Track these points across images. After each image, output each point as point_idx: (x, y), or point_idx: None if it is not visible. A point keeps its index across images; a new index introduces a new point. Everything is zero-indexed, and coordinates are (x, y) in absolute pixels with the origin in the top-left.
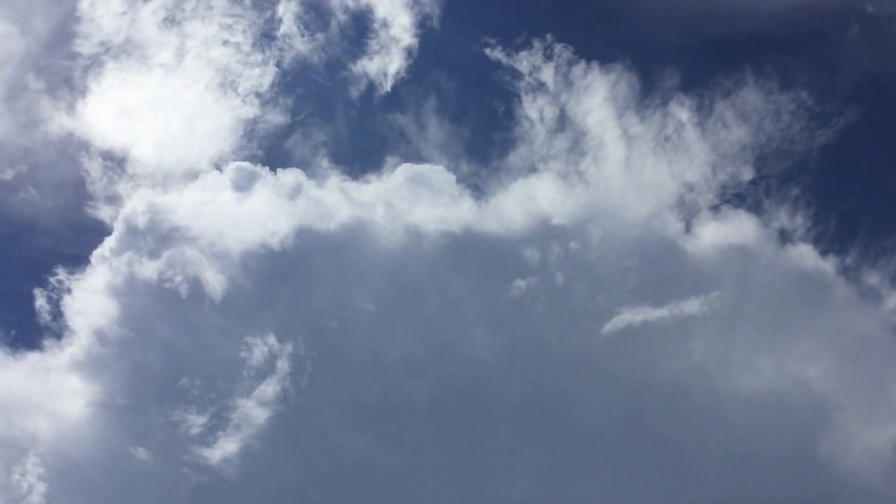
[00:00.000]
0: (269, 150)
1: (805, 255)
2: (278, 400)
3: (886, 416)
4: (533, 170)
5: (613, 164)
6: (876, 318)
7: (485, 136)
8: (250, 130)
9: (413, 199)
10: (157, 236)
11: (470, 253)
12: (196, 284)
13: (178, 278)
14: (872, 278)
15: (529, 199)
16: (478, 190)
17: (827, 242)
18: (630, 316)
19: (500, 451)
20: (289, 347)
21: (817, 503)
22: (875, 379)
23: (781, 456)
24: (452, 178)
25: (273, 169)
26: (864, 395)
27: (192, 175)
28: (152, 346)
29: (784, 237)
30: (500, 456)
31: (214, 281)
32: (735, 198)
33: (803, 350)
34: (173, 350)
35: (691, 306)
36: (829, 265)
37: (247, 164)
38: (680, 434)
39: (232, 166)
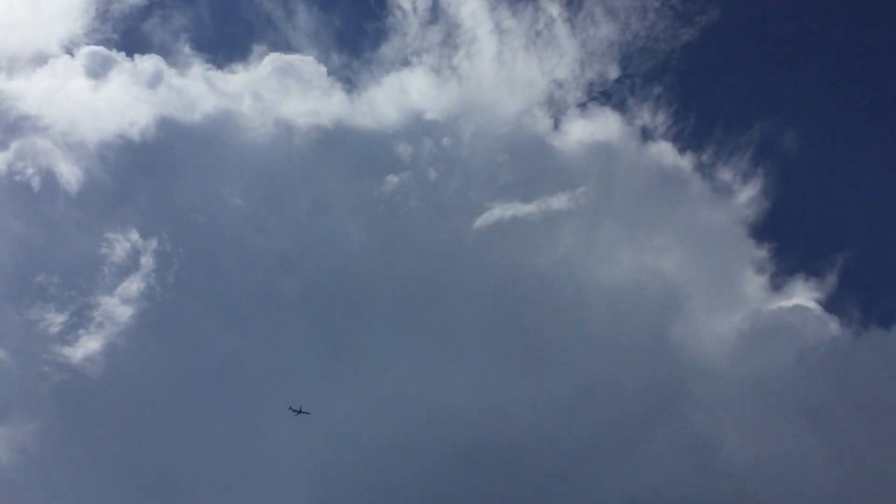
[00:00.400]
0: (125, 34)
1: (664, 152)
2: (143, 297)
3: (733, 304)
4: (406, 63)
5: (486, 59)
6: (728, 212)
7: (356, 25)
8: (104, 11)
9: (282, 91)
10: (3, 125)
11: (341, 147)
12: (49, 177)
13: (30, 170)
14: (726, 175)
15: (402, 93)
16: (349, 83)
17: (685, 140)
18: (500, 211)
19: (374, 344)
20: (153, 244)
21: (670, 385)
22: (724, 270)
23: (638, 342)
24: (323, 69)
25: (130, 55)
26: (713, 285)
27: (41, 60)
28: (4, 242)
29: (646, 134)
30: (375, 349)
31: (69, 173)
32: (601, 96)
33: (660, 243)
34: (27, 246)
35: (559, 202)
36: (686, 162)
37: (101, 49)
38: (546, 324)
39: (84, 51)
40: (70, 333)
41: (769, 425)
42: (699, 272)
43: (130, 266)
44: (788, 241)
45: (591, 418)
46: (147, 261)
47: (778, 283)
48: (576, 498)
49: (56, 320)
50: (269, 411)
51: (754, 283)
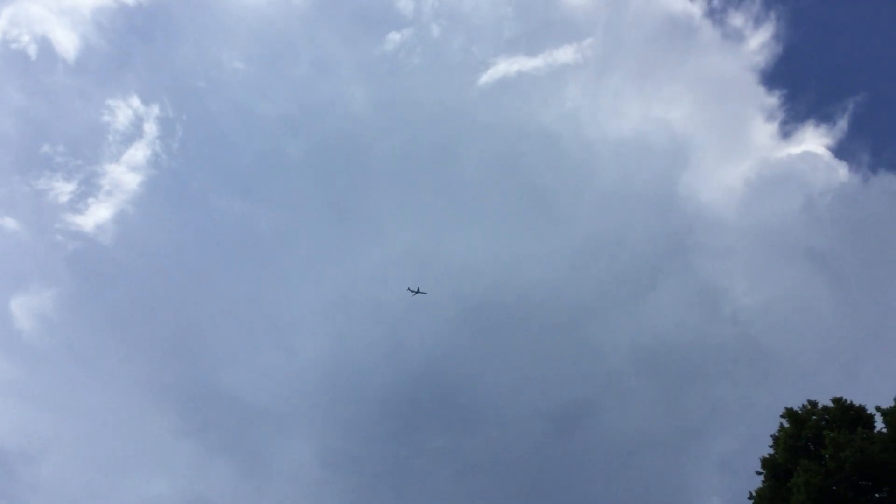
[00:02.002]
0: None
1: None
2: (149, 164)
3: (741, 153)
4: None
5: None
6: (738, 60)
7: None
8: None
9: None
10: None
11: (341, 5)
12: (45, 45)
13: (25, 38)
14: (737, 20)
15: None
16: None
17: None
18: (505, 67)
19: (382, 204)
20: (155, 110)
21: (677, 236)
22: (733, 119)
23: (645, 194)
24: None
25: None
26: (722, 134)
27: None
28: (6, 113)
29: None
30: (383, 209)
31: (66, 40)
32: None
33: (668, 94)
34: (29, 117)
35: (565, 55)
36: (696, 7)
37: None
38: (553, 179)
39: None
40: (80, 202)
41: (775, 272)
42: (708, 122)
43: (134, 133)
44: (799, 86)
45: (598, 270)
46: (150, 127)
47: (787, 131)
48: (584, 348)
49: (65, 189)
50: (279, 273)
51: (763, 132)
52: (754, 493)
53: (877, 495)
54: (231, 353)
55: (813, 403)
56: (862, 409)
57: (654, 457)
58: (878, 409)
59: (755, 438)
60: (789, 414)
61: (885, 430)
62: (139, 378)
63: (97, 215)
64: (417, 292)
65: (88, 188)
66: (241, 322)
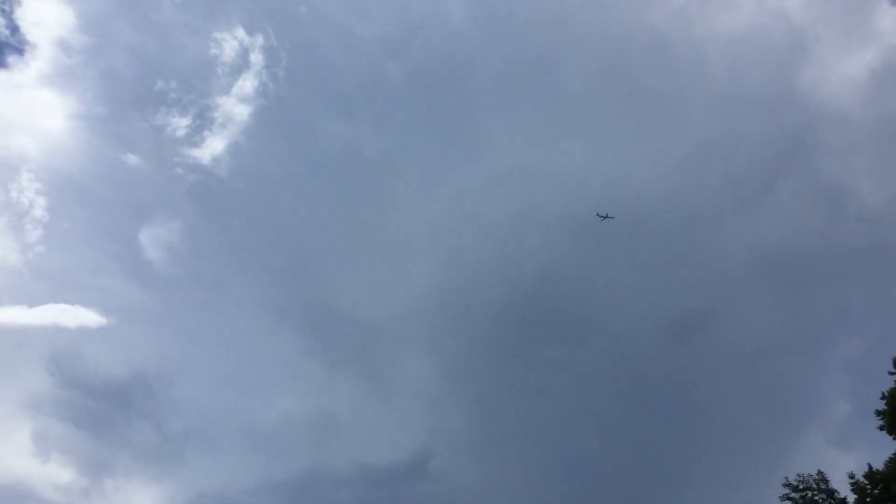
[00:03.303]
0: None
1: None
2: (258, 94)
3: (865, 42)
4: None
5: None
6: None
7: None
8: None
9: None
10: None
11: None
12: None
13: None
14: None
15: None
16: None
17: None
18: None
19: (487, 120)
20: (259, 39)
21: (797, 134)
22: (855, 4)
23: (762, 92)
24: None
25: None
26: (843, 22)
27: None
28: (119, 52)
29: None
30: (489, 125)
31: None
32: None
33: None
34: (141, 54)
35: None
36: None
37: None
38: (662, 83)
39: None
40: (196, 135)
41: None
42: (827, 9)
43: (241, 64)
44: None
45: (713, 174)
46: (256, 58)
47: None
48: (700, 256)
49: (181, 124)
50: (389, 194)
51: (889, 15)
52: (886, 394)
53: None
54: (348, 274)
55: None
56: None
57: (776, 363)
58: None
59: (886, 339)
60: None
61: None
62: (263, 302)
63: (213, 147)
64: (606, 217)
65: (203, 122)
66: (355, 244)
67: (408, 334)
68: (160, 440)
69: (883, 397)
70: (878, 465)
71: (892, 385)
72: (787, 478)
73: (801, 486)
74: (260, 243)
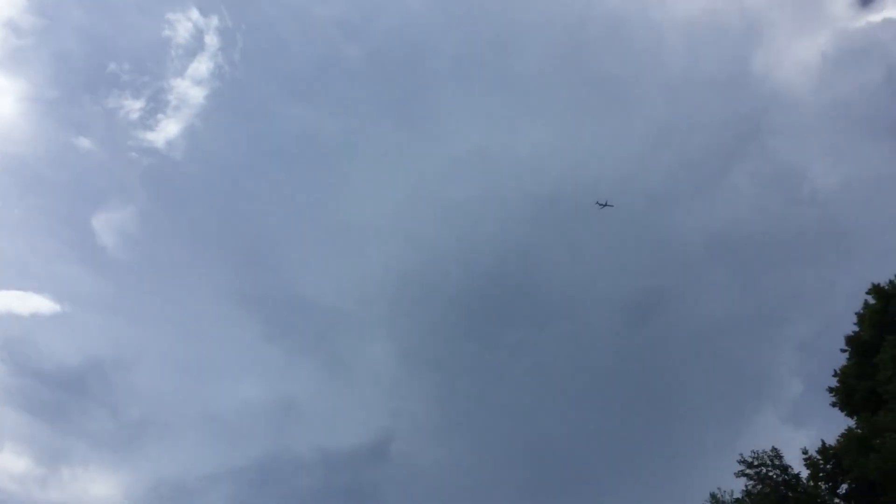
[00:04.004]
0: None
1: None
2: (213, 77)
3: (817, 25)
4: None
5: None
6: None
7: None
8: None
9: None
10: None
11: None
12: None
13: None
14: None
15: None
16: None
17: None
18: None
19: (445, 102)
20: (214, 21)
21: (751, 117)
22: None
23: (716, 76)
24: None
25: None
26: (795, 7)
27: None
28: (70, 34)
29: None
30: (446, 107)
31: None
32: None
33: None
34: (93, 35)
35: None
36: None
37: None
38: (618, 66)
39: None
40: (150, 118)
41: (856, 149)
42: None
43: (196, 46)
44: None
45: (669, 157)
46: (211, 39)
47: None
48: (657, 237)
49: (134, 106)
50: (347, 178)
51: (840, 1)
52: (838, 371)
53: None
54: (306, 259)
55: None
56: None
57: (732, 342)
58: None
59: (837, 319)
60: (875, 290)
61: None
62: (220, 287)
63: (167, 131)
64: (605, 205)
65: (157, 104)
66: (313, 228)
67: (367, 318)
68: (117, 428)
69: (835, 375)
70: (831, 441)
71: (844, 363)
72: (741, 454)
73: (755, 463)
74: (217, 228)
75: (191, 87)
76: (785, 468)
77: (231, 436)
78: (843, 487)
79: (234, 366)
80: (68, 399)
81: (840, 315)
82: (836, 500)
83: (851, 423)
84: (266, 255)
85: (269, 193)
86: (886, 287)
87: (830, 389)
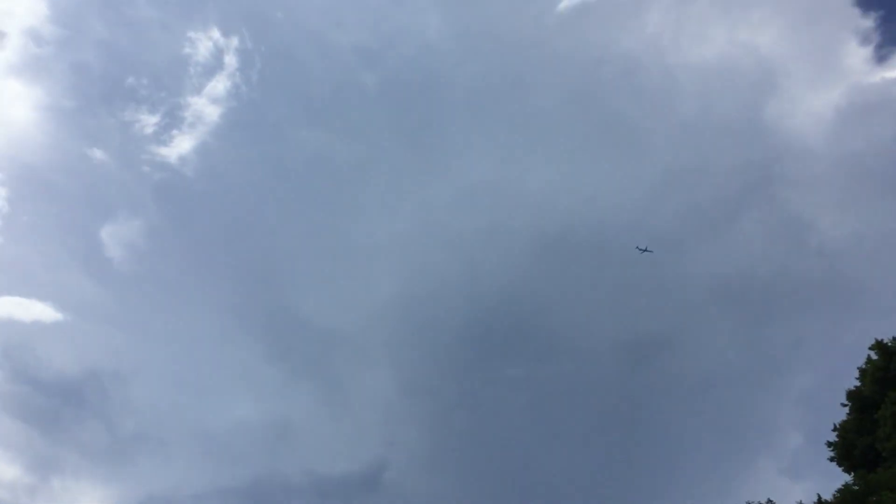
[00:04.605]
0: None
1: None
2: (230, 96)
3: (832, 79)
4: None
5: None
6: None
7: None
8: None
9: None
10: None
11: None
12: None
13: None
14: None
15: None
16: None
17: None
18: None
19: (458, 134)
20: (234, 42)
21: (762, 166)
22: (825, 43)
23: (729, 123)
24: None
25: None
26: (812, 59)
27: None
28: (90, 46)
29: None
30: (459, 139)
31: None
32: None
33: (756, 17)
34: (113, 49)
35: None
36: None
37: None
38: (632, 108)
39: None
40: (164, 134)
41: (865, 203)
42: (797, 46)
43: (215, 65)
44: None
45: (679, 201)
46: (230, 59)
47: (883, 54)
48: (663, 280)
49: (150, 121)
50: (356, 203)
51: (857, 56)
52: (838, 426)
53: None
54: (312, 281)
55: None
56: None
57: (733, 390)
58: None
59: (839, 373)
60: (878, 346)
61: None
62: (223, 305)
63: (181, 146)
64: (645, 251)
65: (172, 120)
66: (319, 251)
67: (368, 345)
68: (111, 440)
69: (834, 429)
70: (827, 495)
71: (844, 418)
72: None
73: None
74: (223, 246)
75: (207, 105)
76: None
77: (224, 455)
78: None
79: (231, 384)
80: (64, 409)
81: (842, 369)
82: None
83: (849, 478)
84: (271, 275)
85: (277, 214)
86: (889, 343)
87: (829, 444)
